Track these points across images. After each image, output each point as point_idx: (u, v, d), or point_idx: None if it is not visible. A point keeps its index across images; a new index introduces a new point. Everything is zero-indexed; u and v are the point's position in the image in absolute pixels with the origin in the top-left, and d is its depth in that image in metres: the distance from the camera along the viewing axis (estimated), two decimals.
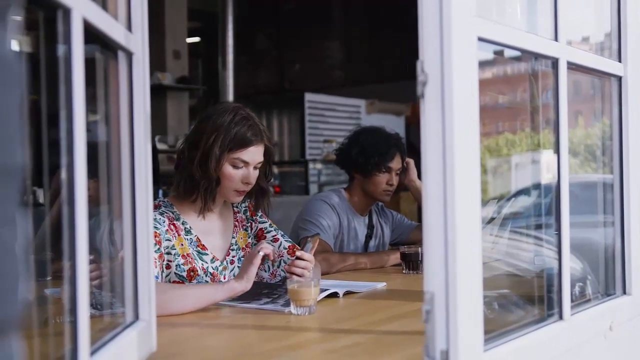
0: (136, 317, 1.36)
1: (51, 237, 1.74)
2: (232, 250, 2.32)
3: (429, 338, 1.16)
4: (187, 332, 1.75)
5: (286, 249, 2.33)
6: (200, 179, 2.15)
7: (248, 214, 2.40)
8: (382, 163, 2.95)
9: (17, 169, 0.59)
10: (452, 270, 1.14)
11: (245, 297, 2.00)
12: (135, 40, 1.35)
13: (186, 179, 2.18)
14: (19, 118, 0.60)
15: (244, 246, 2.35)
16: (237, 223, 2.36)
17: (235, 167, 2.18)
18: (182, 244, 2.17)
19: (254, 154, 2.19)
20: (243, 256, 2.32)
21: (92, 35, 1.10)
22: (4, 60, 0.58)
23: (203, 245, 2.23)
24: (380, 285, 2.32)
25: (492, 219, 2.24)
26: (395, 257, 2.80)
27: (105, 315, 1.41)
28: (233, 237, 2.33)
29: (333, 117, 8.27)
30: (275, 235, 2.38)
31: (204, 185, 2.16)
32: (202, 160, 2.15)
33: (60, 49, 0.99)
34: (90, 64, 1.07)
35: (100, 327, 1.27)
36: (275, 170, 7.67)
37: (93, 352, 1.08)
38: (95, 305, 1.28)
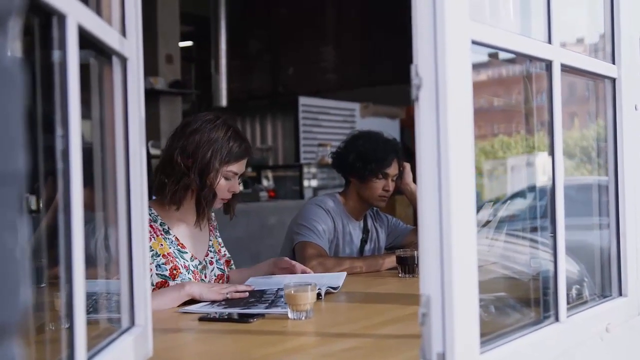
0: (132, 322, 1.35)
1: (46, 243, 1.74)
2: (210, 252, 2.40)
3: (425, 341, 1.16)
4: (183, 338, 1.75)
5: (215, 276, 2.40)
6: (200, 191, 2.23)
7: (216, 223, 2.50)
8: (380, 169, 2.93)
9: (18, 174, 0.60)
10: (447, 273, 1.14)
11: (243, 304, 1.99)
12: (130, 45, 1.35)
13: (182, 189, 2.23)
14: (20, 124, 0.60)
15: (217, 250, 2.45)
16: (212, 228, 2.46)
17: (226, 178, 2.28)
18: (161, 244, 2.23)
19: (244, 165, 2.32)
20: (219, 259, 2.42)
21: (86, 40, 1.10)
22: (5, 68, 0.59)
23: (182, 244, 2.29)
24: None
25: (488, 221, 2.24)
26: (390, 261, 2.80)
27: (100, 321, 1.40)
28: (210, 240, 2.43)
29: (327, 120, 8.27)
30: (226, 254, 2.50)
31: (206, 197, 2.24)
32: (200, 172, 2.22)
33: (55, 55, 0.98)
34: (84, 70, 1.07)
35: (95, 333, 1.26)
36: (270, 174, 7.66)
37: (89, 358, 1.08)
38: (89, 310, 1.27)
